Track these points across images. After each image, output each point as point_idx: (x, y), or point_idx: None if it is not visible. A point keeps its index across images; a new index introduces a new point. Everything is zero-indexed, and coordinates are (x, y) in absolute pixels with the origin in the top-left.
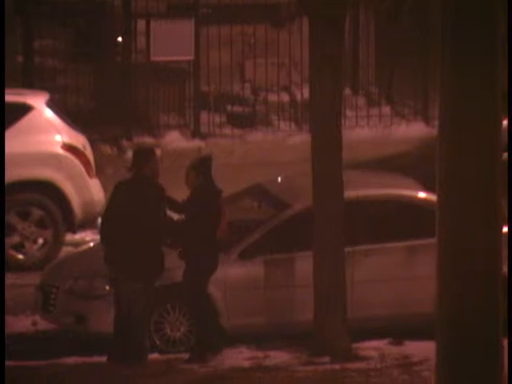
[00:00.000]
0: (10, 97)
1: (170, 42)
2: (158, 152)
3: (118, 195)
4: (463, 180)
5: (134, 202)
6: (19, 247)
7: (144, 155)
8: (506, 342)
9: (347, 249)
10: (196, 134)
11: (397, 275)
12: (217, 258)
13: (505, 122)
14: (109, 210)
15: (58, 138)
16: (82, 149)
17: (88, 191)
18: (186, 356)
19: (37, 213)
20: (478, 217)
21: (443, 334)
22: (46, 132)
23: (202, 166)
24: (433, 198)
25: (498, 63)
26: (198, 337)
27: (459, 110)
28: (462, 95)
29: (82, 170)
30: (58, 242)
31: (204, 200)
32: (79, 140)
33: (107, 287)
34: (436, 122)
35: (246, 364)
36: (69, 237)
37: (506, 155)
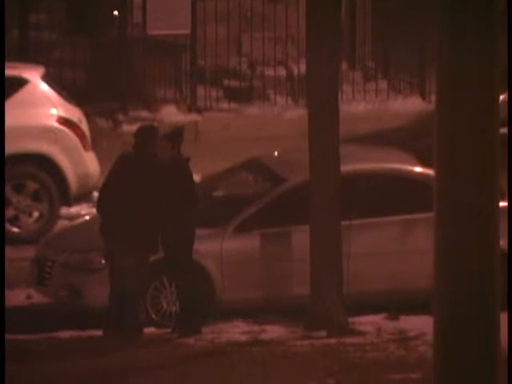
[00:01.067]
0: (6, 70)
1: (167, 15)
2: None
3: (120, 168)
4: (461, 155)
5: (135, 177)
6: (14, 220)
7: (147, 133)
8: (504, 317)
9: (344, 223)
10: (192, 108)
11: (393, 249)
12: (194, 228)
13: (502, 97)
14: (108, 182)
15: (54, 112)
16: (78, 122)
17: (83, 164)
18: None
19: (32, 186)
20: (476, 191)
21: (441, 309)
22: (42, 105)
23: (177, 137)
24: (429, 172)
25: (497, 38)
26: (186, 309)
27: (456, 84)
28: (460, 70)
29: (78, 143)
30: (53, 215)
31: (179, 170)
32: (75, 114)
33: (103, 261)
34: (432, 97)
35: (242, 338)
36: (64, 210)
37: (504, 130)
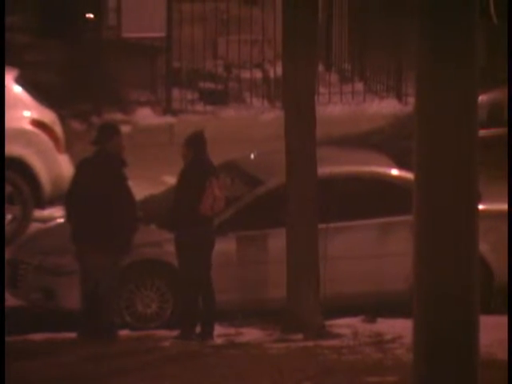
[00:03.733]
0: None
1: (142, 17)
2: (128, 129)
3: (82, 172)
4: (440, 158)
5: (97, 178)
6: None
7: (108, 131)
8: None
9: (320, 226)
10: (167, 110)
11: (370, 252)
12: (208, 234)
13: (481, 98)
14: (73, 188)
15: (27, 114)
16: (52, 125)
17: (57, 167)
18: (157, 333)
19: (5, 189)
20: (455, 194)
21: (420, 312)
22: (15, 108)
23: (193, 142)
24: (406, 174)
25: (475, 41)
26: (187, 314)
27: (435, 87)
28: (438, 72)
29: (51, 145)
30: (26, 217)
31: (194, 175)
32: (48, 116)
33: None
34: (408, 99)
35: (219, 341)
36: (37, 213)
37: (494, 131)
